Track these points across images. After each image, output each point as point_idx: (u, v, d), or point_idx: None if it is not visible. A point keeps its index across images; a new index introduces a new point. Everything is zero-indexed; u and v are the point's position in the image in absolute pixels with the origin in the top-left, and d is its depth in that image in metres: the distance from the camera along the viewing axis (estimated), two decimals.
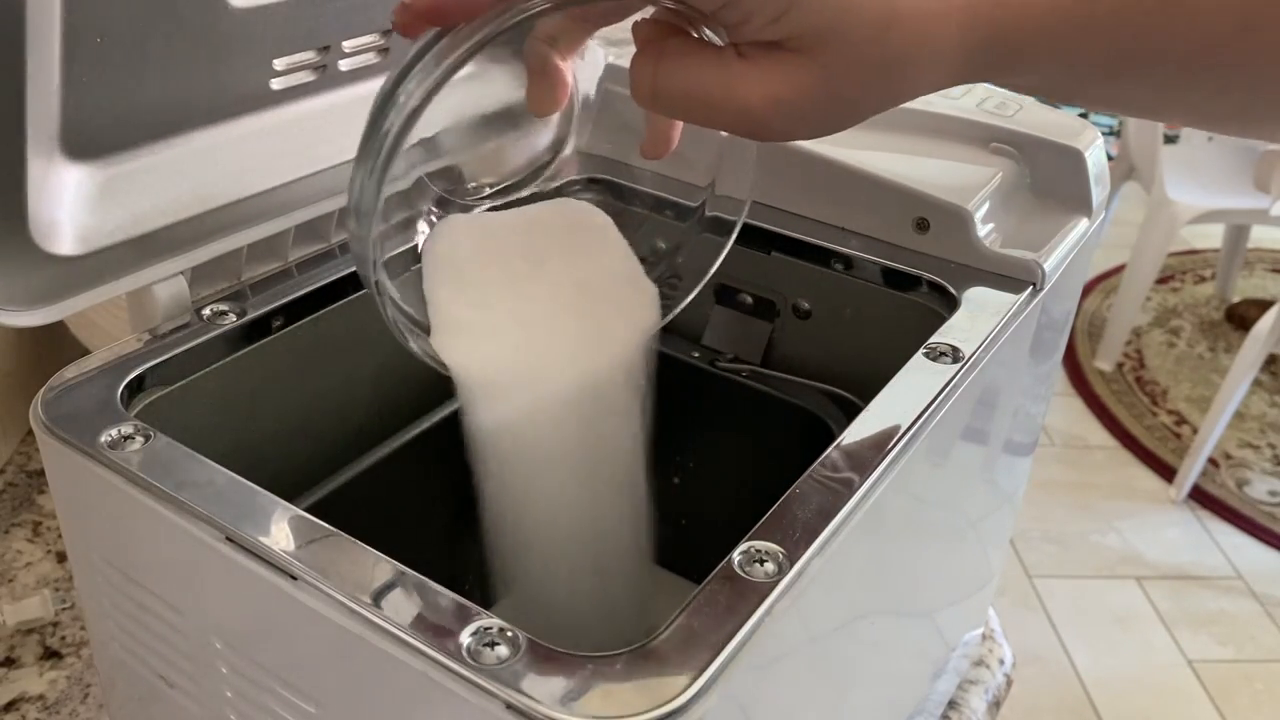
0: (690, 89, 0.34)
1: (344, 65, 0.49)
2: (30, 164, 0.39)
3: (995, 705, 0.65)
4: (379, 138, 0.34)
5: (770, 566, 0.33)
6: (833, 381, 0.56)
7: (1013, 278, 0.50)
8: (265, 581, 0.33)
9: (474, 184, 0.49)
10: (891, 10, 0.32)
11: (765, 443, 0.57)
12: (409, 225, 0.46)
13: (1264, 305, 2.10)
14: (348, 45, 0.48)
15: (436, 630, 0.30)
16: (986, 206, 0.52)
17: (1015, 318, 0.48)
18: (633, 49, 0.35)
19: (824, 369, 0.56)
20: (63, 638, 0.59)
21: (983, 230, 0.51)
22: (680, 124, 0.40)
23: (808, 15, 0.31)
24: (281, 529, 0.34)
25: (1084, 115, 0.60)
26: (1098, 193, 0.56)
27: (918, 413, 0.40)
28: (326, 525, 0.35)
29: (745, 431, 0.58)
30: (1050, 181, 0.55)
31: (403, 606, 0.31)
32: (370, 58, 0.50)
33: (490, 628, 0.30)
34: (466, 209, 0.48)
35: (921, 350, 0.44)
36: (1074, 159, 0.55)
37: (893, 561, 0.44)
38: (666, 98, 0.34)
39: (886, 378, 0.42)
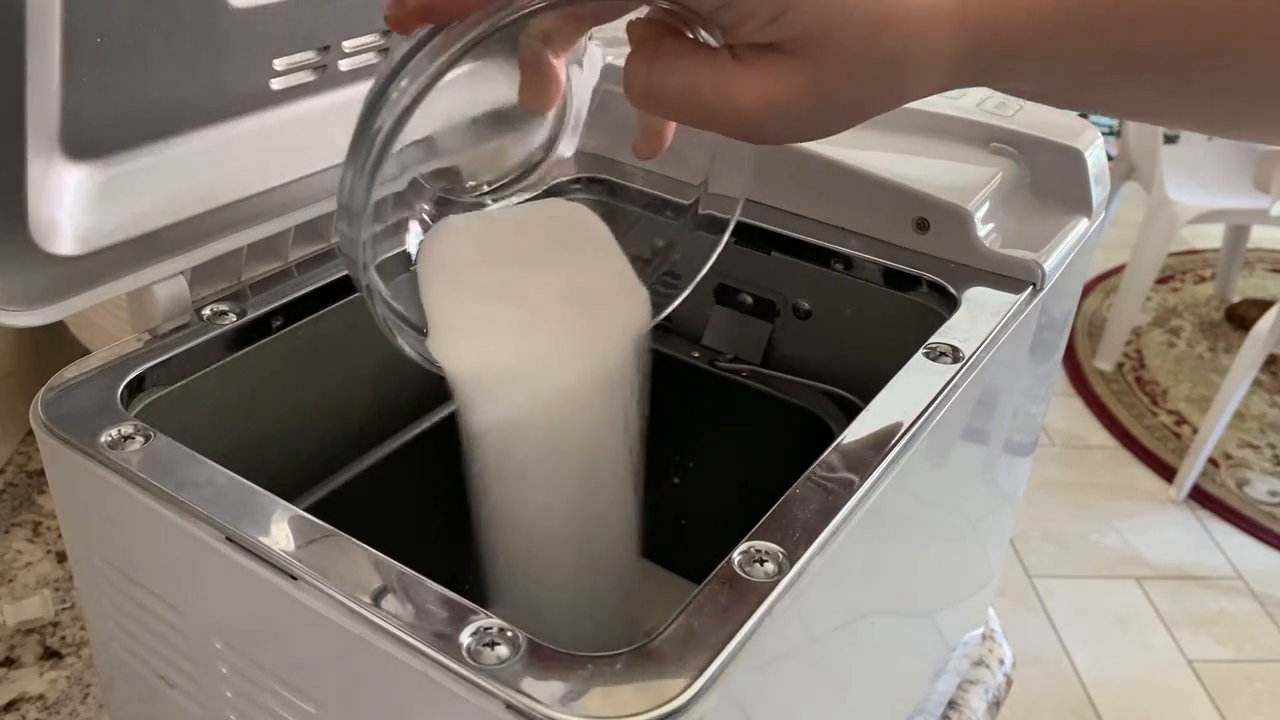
0: (684, 90, 0.34)
1: (344, 65, 0.49)
2: (30, 164, 0.39)
3: (995, 705, 0.65)
4: (370, 136, 0.34)
5: (770, 566, 0.33)
6: (833, 381, 0.56)
7: (1013, 278, 0.50)
8: (265, 581, 0.33)
9: (471, 183, 0.49)
10: (885, 15, 0.32)
11: (765, 443, 0.57)
12: (404, 226, 0.46)
13: (1264, 305, 2.10)
14: (348, 45, 0.48)
15: (436, 630, 0.30)
16: (986, 206, 0.52)
17: (1015, 318, 0.48)
18: (629, 50, 0.35)
19: (824, 369, 0.56)
20: (63, 638, 0.59)
21: (983, 230, 0.51)
22: (674, 124, 0.40)
23: (803, 18, 0.31)
24: (281, 529, 0.34)
25: (1084, 115, 0.60)
26: (1098, 193, 0.56)
27: (918, 413, 0.40)
28: (326, 525, 0.35)
29: (745, 431, 0.58)
30: (1050, 181, 0.55)
31: (403, 606, 0.31)
32: (370, 58, 0.50)
33: (490, 628, 0.30)
34: (461, 209, 0.48)
35: (921, 350, 0.44)
36: (1074, 159, 0.55)
37: (893, 561, 0.44)
38: (660, 98, 0.34)
39: (886, 378, 0.42)
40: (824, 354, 0.57)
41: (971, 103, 0.58)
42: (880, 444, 0.39)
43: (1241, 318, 2.50)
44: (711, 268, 0.58)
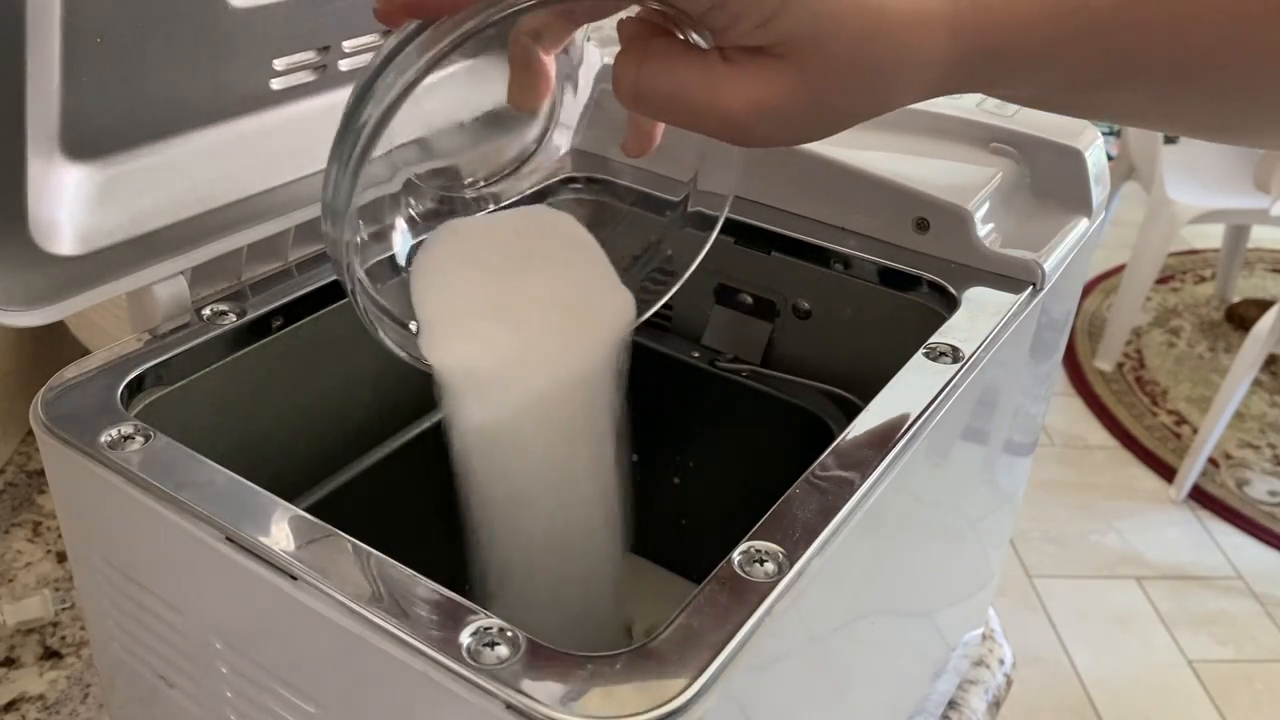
0: (673, 91, 0.34)
1: (344, 65, 0.49)
2: (30, 164, 0.39)
3: (995, 705, 0.65)
4: (354, 132, 0.33)
5: (770, 566, 0.33)
6: (833, 381, 0.56)
7: (1013, 278, 0.50)
8: (265, 581, 0.33)
9: (468, 180, 0.49)
10: (876, 20, 0.32)
11: (765, 443, 0.57)
12: (396, 227, 0.46)
13: (1264, 305, 2.10)
14: (348, 45, 0.48)
15: (436, 630, 0.30)
16: (986, 206, 0.52)
17: (1015, 318, 0.48)
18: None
19: (824, 369, 0.56)
20: (63, 638, 0.59)
21: (983, 230, 0.51)
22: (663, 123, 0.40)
23: (793, 22, 0.31)
24: (281, 529, 0.34)
25: None
26: (1098, 193, 0.56)
27: (917, 413, 0.40)
28: (326, 525, 0.35)
29: (745, 431, 0.58)
30: (1050, 181, 0.55)
31: (403, 606, 0.31)
32: (370, 58, 0.50)
33: (490, 628, 0.30)
34: (459, 204, 0.48)
35: (921, 350, 0.44)
36: (1074, 159, 0.55)
37: (893, 561, 0.44)
38: (648, 99, 0.34)
39: (886, 378, 0.42)
40: (824, 354, 0.57)
41: (971, 103, 0.58)
42: (880, 444, 0.39)
43: (1241, 318, 2.50)
44: (712, 268, 0.58)
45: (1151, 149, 2.23)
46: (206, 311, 0.46)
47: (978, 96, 0.58)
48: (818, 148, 0.54)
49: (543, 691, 0.28)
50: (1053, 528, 1.97)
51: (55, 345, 0.69)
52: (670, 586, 0.63)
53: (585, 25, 0.40)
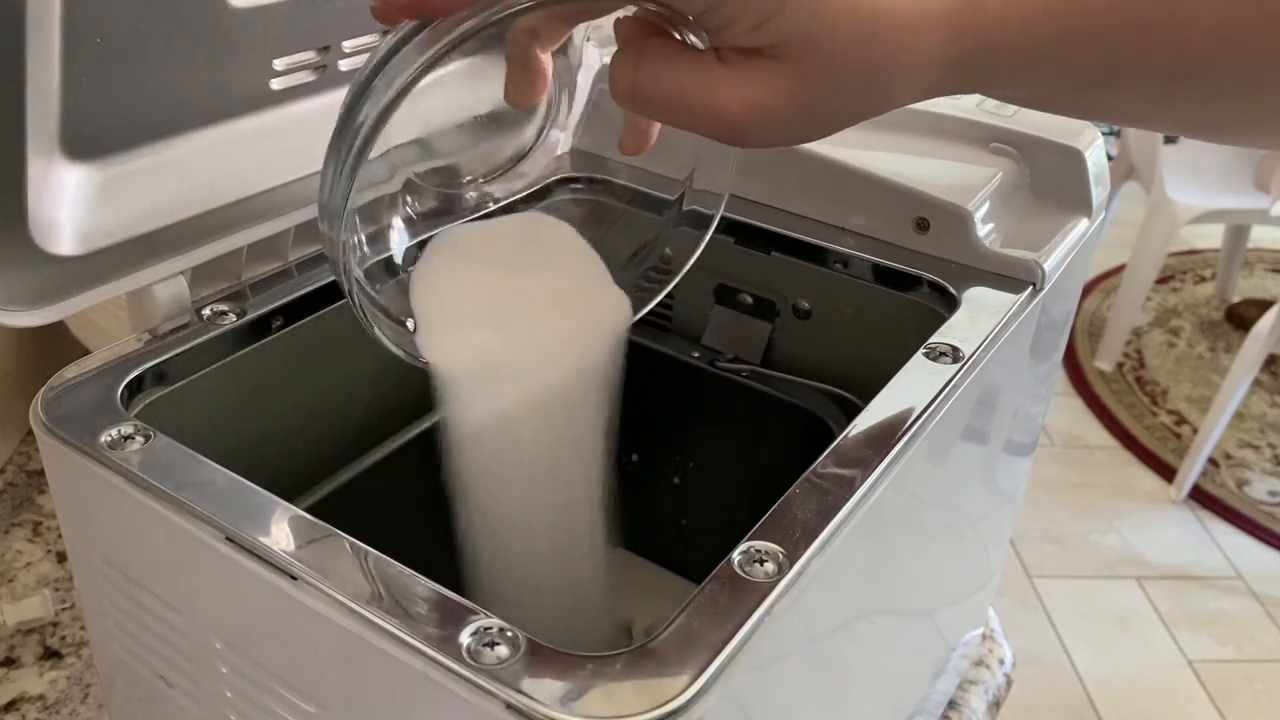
0: (669, 92, 0.34)
1: (344, 65, 0.49)
2: (30, 164, 0.39)
3: (995, 705, 0.65)
4: (351, 132, 0.33)
5: (770, 566, 0.33)
6: (833, 381, 0.56)
7: (1013, 278, 0.50)
8: (265, 581, 0.33)
9: (467, 177, 0.49)
10: (873, 22, 0.32)
11: (765, 443, 0.57)
12: (394, 226, 0.46)
13: (1264, 305, 2.10)
14: (348, 45, 0.48)
15: (436, 630, 0.30)
16: (986, 206, 0.52)
17: (1015, 318, 0.48)
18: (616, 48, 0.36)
19: (824, 369, 0.56)
20: (63, 638, 0.59)
21: (983, 230, 0.51)
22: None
23: (789, 24, 0.31)
24: (281, 529, 0.34)
25: None
26: (1098, 193, 0.56)
27: (918, 413, 0.40)
28: (326, 525, 0.35)
29: (745, 431, 0.58)
30: (1050, 181, 0.55)
31: (403, 606, 0.31)
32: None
33: (490, 628, 0.30)
34: (457, 200, 0.48)
35: (921, 350, 0.44)
36: (1074, 159, 0.55)
37: (893, 561, 0.44)
38: (645, 99, 0.35)
39: (886, 378, 0.42)
40: (824, 354, 0.57)
41: (971, 103, 0.58)
42: (880, 444, 0.39)
43: (1241, 318, 2.50)
44: (711, 268, 0.58)
45: (1151, 149, 2.23)
46: (206, 311, 0.46)
47: (978, 96, 0.58)
48: (818, 147, 0.54)
49: (543, 691, 0.28)
50: (1053, 528, 1.97)
51: (55, 345, 0.69)
52: (670, 586, 0.63)
53: (583, 24, 0.40)
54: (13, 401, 0.71)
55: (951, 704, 0.63)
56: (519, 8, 0.32)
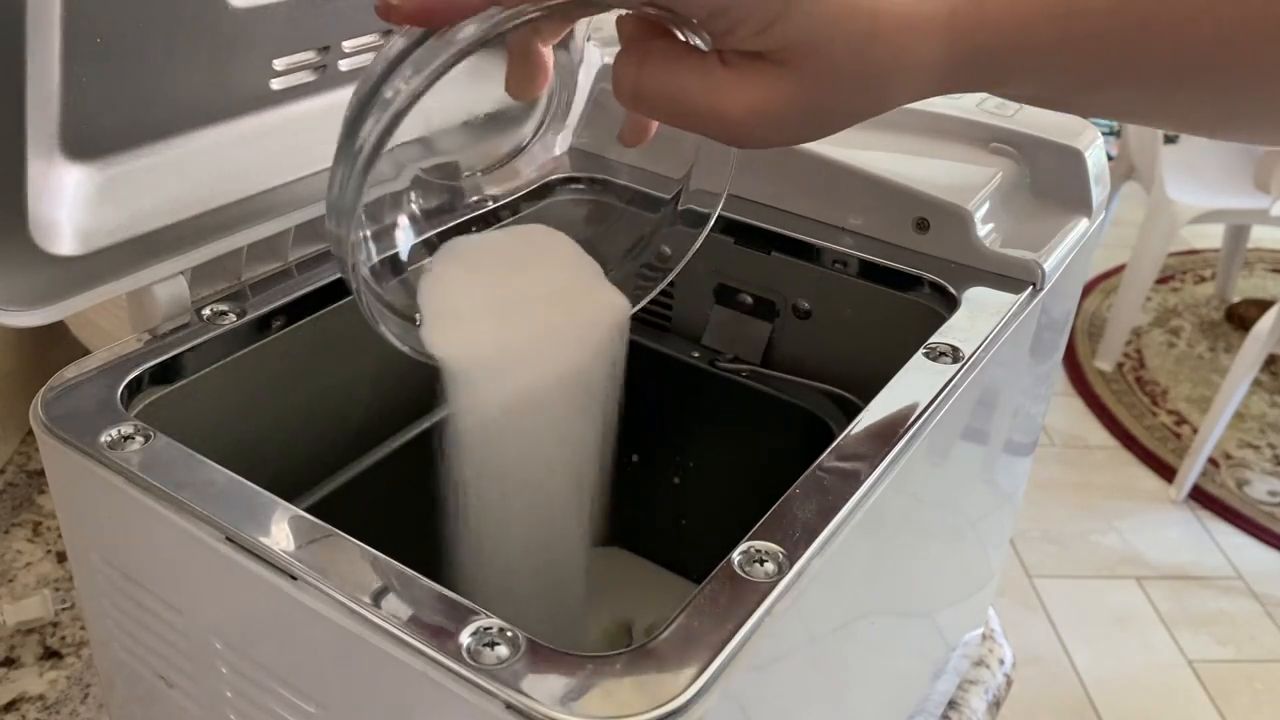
0: (673, 94, 0.34)
1: (344, 65, 0.49)
2: (30, 164, 0.39)
3: (995, 705, 0.65)
4: (363, 136, 0.34)
5: (770, 566, 0.33)
6: (833, 381, 0.56)
7: (1013, 278, 0.50)
8: (265, 581, 0.33)
9: (466, 173, 0.50)
10: (873, 24, 0.32)
11: (765, 443, 0.57)
12: (399, 224, 0.46)
13: (1264, 305, 2.10)
14: (348, 45, 0.48)
15: (436, 630, 0.30)
16: (986, 206, 0.52)
17: (1015, 318, 0.48)
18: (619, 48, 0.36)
19: (824, 369, 0.56)
20: (63, 638, 0.59)
21: (983, 230, 0.51)
22: None
23: (792, 28, 0.32)
24: (281, 529, 0.34)
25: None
26: (1098, 193, 0.56)
27: (918, 413, 0.40)
28: (326, 525, 0.35)
29: (745, 431, 0.58)
30: (1050, 181, 0.55)
31: (403, 606, 0.31)
32: (370, 58, 0.50)
33: (490, 628, 0.30)
34: (452, 203, 0.49)
35: (921, 350, 0.44)
36: (1074, 159, 0.55)
37: (893, 561, 0.44)
38: (648, 100, 0.35)
39: (886, 378, 0.42)
40: (824, 354, 0.57)
41: (971, 103, 0.58)
42: (880, 444, 0.39)
43: (1241, 318, 2.50)
44: (712, 268, 0.58)
45: (1151, 149, 2.23)
46: (206, 311, 0.46)
47: (978, 96, 0.58)
48: (818, 147, 0.54)
49: (543, 691, 0.28)
50: (1053, 528, 1.96)
51: (55, 345, 0.69)
52: (670, 586, 0.64)
53: (584, 20, 0.40)
54: (13, 401, 0.71)
55: (951, 704, 0.63)
56: (528, 17, 0.33)
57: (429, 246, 0.48)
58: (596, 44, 0.53)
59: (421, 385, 0.43)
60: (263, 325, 0.47)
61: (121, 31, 0.39)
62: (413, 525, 0.46)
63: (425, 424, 0.54)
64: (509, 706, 0.28)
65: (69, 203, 0.41)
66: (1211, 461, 2.11)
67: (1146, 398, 2.32)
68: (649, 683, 0.29)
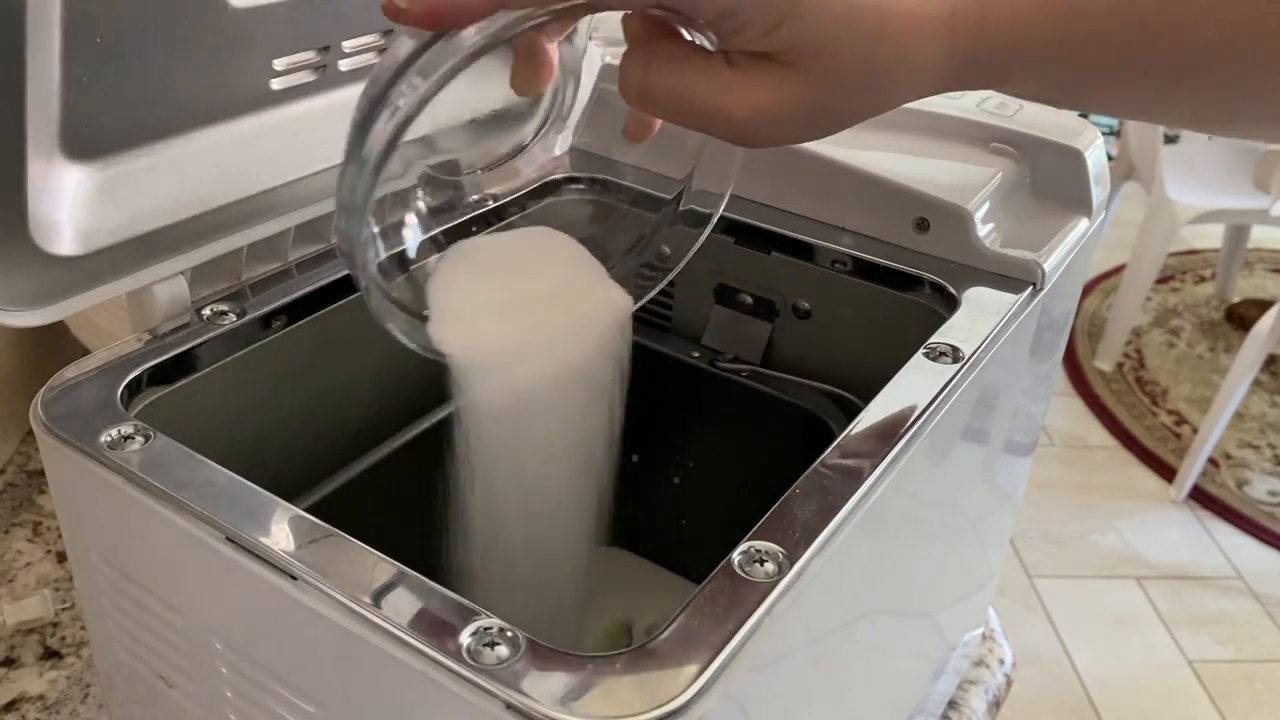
0: (679, 94, 0.34)
1: (344, 65, 0.49)
2: (30, 164, 0.39)
3: (995, 705, 0.65)
4: (372, 138, 0.34)
5: (770, 566, 0.33)
6: (833, 381, 0.56)
7: (1013, 278, 0.50)
8: (265, 581, 0.33)
9: (467, 171, 0.50)
10: (878, 24, 0.32)
11: (765, 443, 0.57)
12: (403, 224, 0.46)
13: (1264, 305, 2.10)
14: (348, 45, 0.48)
15: (436, 630, 0.30)
16: (986, 206, 0.52)
17: (1015, 318, 0.48)
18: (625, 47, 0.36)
19: (824, 369, 0.56)
20: (63, 638, 0.59)
21: (983, 230, 0.51)
22: None
23: (800, 30, 0.32)
24: (281, 529, 0.34)
25: (1084, 115, 0.60)
26: (1098, 193, 0.56)
27: (918, 413, 0.40)
28: (326, 525, 0.35)
29: (745, 431, 0.58)
30: (1050, 181, 0.55)
31: (403, 606, 0.31)
32: (370, 58, 0.50)
33: (490, 628, 0.30)
34: (455, 201, 0.49)
35: (921, 350, 0.44)
36: (1074, 159, 0.55)
37: (893, 561, 0.44)
38: (655, 101, 0.35)
39: (886, 378, 0.42)
40: (824, 354, 0.57)
41: (972, 103, 0.58)
42: (880, 444, 0.39)
43: (1241, 318, 2.50)
44: (712, 268, 0.58)
45: (1151, 149, 2.23)
46: (206, 311, 0.46)
47: (978, 96, 0.58)
48: (818, 147, 0.54)
49: (543, 691, 0.28)
50: (1053, 528, 1.96)
51: (55, 345, 0.69)
52: (670, 586, 0.63)
53: (587, 17, 0.40)
54: (13, 401, 0.71)
55: (951, 704, 0.63)
56: (535, 22, 0.33)
57: (434, 244, 0.48)
58: (598, 43, 0.53)
59: (421, 385, 0.43)
60: (263, 325, 0.47)
61: (121, 31, 0.39)
62: (413, 525, 0.46)
63: (425, 424, 0.54)
64: (509, 706, 0.28)
65: (69, 203, 0.41)
66: (1211, 461, 2.11)
67: (1146, 398, 2.32)
68: (649, 682, 0.29)
